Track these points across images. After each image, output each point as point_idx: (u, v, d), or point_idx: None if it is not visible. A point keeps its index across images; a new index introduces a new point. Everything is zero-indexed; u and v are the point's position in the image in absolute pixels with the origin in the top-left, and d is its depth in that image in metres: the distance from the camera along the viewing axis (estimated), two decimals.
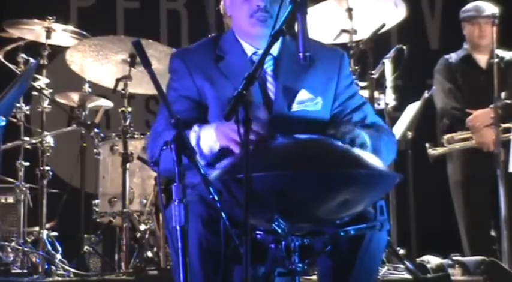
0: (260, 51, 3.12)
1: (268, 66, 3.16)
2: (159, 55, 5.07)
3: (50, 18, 5.44)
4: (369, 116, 3.20)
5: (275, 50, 3.17)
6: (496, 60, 5.23)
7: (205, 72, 3.17)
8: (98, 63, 5.27)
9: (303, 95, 3.14)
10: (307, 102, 3.13)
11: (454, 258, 5.03)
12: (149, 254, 5.00)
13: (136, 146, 5.19)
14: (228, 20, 3.31)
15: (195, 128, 2.94)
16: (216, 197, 2.63)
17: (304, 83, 3.14)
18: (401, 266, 4.58)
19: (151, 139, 3.13)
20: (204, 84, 3.15)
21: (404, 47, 4.96)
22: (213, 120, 3.09)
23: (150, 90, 5.43)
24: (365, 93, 4.99)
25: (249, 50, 3.19)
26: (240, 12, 3.16)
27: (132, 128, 5.21)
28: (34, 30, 5.49)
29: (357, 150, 2.79)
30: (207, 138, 2.90)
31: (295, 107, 3.12)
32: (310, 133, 2.88)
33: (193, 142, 2.87)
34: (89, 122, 5.41)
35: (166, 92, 3.13)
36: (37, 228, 5.24)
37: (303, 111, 3.11)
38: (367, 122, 3.16)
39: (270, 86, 3.14)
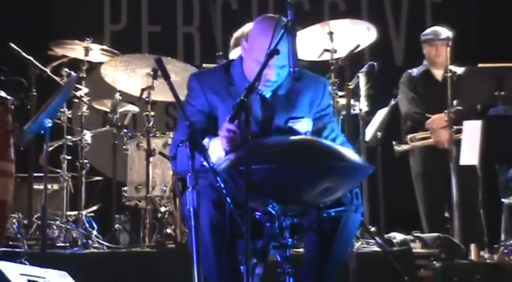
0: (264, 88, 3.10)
1: (267, 92, 3.13)
2: (177, 69, 5.05)
3: (88, 39, 5.43)
4: (335, 131, 3.24)
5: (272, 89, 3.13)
6: (449, 74, 5.22)
7: (217, 92, 3.15)
8: (127, 76, 5.25)
9: (298, 124, 3.13)
10: (298, 123, 3.12)
11: (415, 234, 5.00)
12: (168, 231, 4.97)
13: (157, 143, 5.16)
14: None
15: (206, 139, 2.94)
16: (222, 185, 2.63)
17: (296, 105, 3.15)
18: (372, 241, 4.57)
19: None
20: (216, 101, 3.14)
21: (375, 63, 4.95)
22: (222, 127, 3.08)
23: (169, 98, 5.41)
24: (343, 101, 4.99)
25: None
26: (253, 71, 3.00)
27: (154, 129, 5.20)
28: (75, 49, 5.46)
29: (337, 146, 2.78)
30: (215, 148, 2.90)
31: (289, 124, 3.12)
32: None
33: None
34: (119, 124, 5.39)
35: (185, 104, 3.13)
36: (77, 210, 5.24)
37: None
38: (334, 136, 3.20)
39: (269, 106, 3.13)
